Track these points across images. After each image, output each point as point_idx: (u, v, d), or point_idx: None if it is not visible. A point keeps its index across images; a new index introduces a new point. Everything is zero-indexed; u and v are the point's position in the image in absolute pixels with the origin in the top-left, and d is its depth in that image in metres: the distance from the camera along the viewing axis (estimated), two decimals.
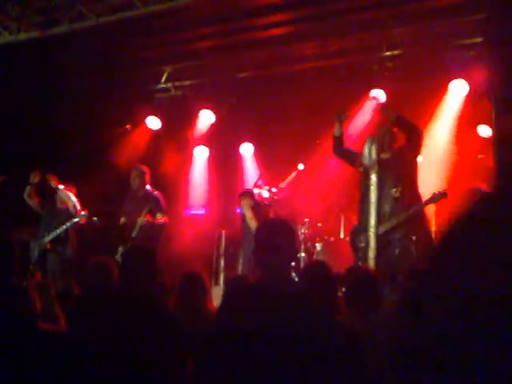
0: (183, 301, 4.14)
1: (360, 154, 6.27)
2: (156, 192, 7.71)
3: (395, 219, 6.10)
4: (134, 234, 7.38)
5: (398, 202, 6.15)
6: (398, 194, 6.16)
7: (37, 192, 7.85)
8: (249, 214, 7.25)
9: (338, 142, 6.65)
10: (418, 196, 6.22)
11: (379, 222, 6.13)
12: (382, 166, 6.18)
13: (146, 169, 7.79)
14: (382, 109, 6.73)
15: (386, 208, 6.17)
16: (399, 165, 6.20)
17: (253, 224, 7.08)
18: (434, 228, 7.80)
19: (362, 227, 6.29)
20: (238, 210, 8.75)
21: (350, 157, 6.55)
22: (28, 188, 7.78)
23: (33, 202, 7.84)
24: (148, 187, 7.70)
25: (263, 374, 2.58)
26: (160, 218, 7.51)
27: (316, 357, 2.57)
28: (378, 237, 6.09)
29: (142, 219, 7.38)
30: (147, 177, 7.73)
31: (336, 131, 6.65)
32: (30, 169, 7.87)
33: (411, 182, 6.23)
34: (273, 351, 2.58)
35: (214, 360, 2.81)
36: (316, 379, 2.55)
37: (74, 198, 7.69)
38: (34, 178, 7.75)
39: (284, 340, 2.59)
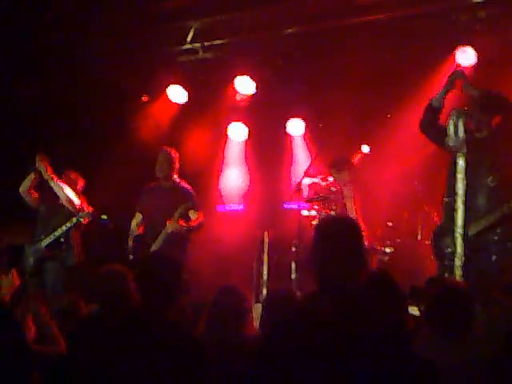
0: (215, 324, 4.18)
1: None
2: (185, 183, 7.73)
3: (491, 216, 6.03)
4: (157, 244, 7.37)
5: (495, 194, 6.07)
6: (494, 184, 6.08)
7: (37, 184, 7.82)
8: (349, 195, 7.31)
9: (435, 115, 6.49)
10: None
11: (470, 219, 6.06)
12: (476, 148, 6.11)
13: (175, 153, 7.79)
14: (463, 87, 6.59)
15: (480, 202, 6.10)
16: (498, 147, 6.12)
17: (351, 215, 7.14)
18: None
19: (448, 227, 6.23)
20: (288, 206, 8.77)
21: (443, 136, 6.42)
22: (29, 178, 7.70)
23: (30, 197, 7.83)
24: (176, 177, 7.73)
25: None
26: (195, 220, 7.52)
27: None
28: (468, 239, 6.02)
29: (174, 225, 7.34)
30: (177, 164, 7.75)
31: (437, 99, 6.48)
32: (26, 152, 7.91)
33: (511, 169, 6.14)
34: None
35: None
36: None
37: (69, 191, 7.72)
38: (41, 164, 7.62)
39: (341, 375, 2.60)
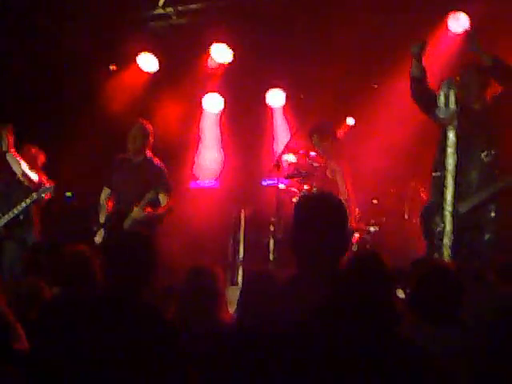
0: (187, 307, 4.15)
1: None
2: (157, 160, 7.66)
3: (485, 192, 6.03)
4: (125, 224, 7.29)
5: (489, 170, 6.07)
6: (488, 159, 6.08)
7: None
8: (336, 168, 7.23)
9: (418, 83, 6.48)
10: None
11: (462, 196, 6.06)
12: (470, 121, 6.11)
13: (150, 127, 7.72)
14: (471, 47, 6.54)
15: (473, 177, 6.10)
16: (492, 120, 6.11)
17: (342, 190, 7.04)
18: None
19: (438, 204, 6.23)
20: (266, 182, 8.73)
21: (433, 106, 6.38)
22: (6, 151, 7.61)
23: None
24: (148, 153, 7.66)
25: None
26: (163, 207, 7.44)
27: (365, 380, 2.57)
28: (460, 217, 6.04)
29: (140, 212, 7.27)
30: (151, 138, 7.68)
31: (413, 70, 6.47)
32: None
33: (508, 145, 6.14)
34: (307, 377, 2.57)
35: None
36: None
37: (25, 166, 7.65)
38: (4, 136, 7.54)
39: (322, 361, 2.57)
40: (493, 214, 6.03)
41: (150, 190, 7.31)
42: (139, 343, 3.35)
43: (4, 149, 7.59)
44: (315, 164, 7.93)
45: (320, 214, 2.92)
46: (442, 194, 6.16)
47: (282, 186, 7.92)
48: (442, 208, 6.13)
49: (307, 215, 2.95)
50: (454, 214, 6.03)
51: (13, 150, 7.62)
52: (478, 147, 6.11)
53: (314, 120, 8.25)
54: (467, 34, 6.76)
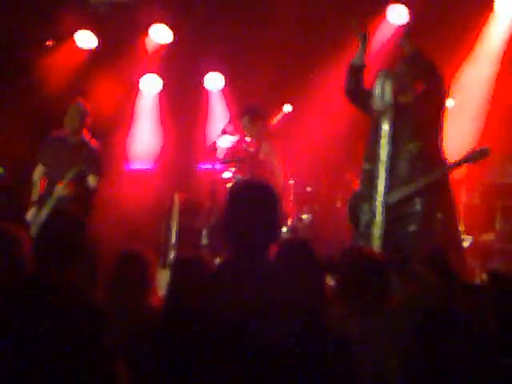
0: (117, 291, 4.13)
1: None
2: (93, 142, 7.57)
3: (412, 185, 6.11)
4: (48, 206, 7.21)
5: (417, 162, 6.15)
6: (416, 151, 6.16)
7: None
8: (270, 151, 7.15)
9: (357, 76, 6.48)
10: (442, 155, 6.23)
11: (390, 187, 6.14)
12: (399, 113, 6.17)
13: (88, 108, 7.61)
14: (402, 37, 6.60)
15: (401, 169, 6.18)
16: (421, 112, 6.18)
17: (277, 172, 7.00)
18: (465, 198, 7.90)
19: (367, 193, 6.30)
20: (202, 166, 8.72)
21: (367, 101, 6.44)
22: None
23: None
24: (84, 134, 7.56)
25: None
26: (92, 185, 7.35)
27: (292, 369, 2.60)
28: (388, 208, 6.12)
29: (63, 189, 7.16)
30: (88, 119, 7.58)
31: (356, 58, 6.47)
32: None
33: (435, 136, 6.24)
34: (235, 365, 2.59)
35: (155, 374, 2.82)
36: None
37: None
38: None
39: (250, 350, 2.60)
40: (418, 207, 6.12)
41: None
42: (65, 328, 3.31)
43: None
44: (251, 149, 7.94)
45: (251, 200, 2.93)
46: (370, 185, 6.24)
47: (217, 171, 7.91)
48: (370, 198, 6.22)
49: (239, 202, 2.96)
50: (383, 205, 6.12)
51: None
52: (405, 139, 6.19)
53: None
54: (404, 29, 6.79)
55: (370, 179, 6.30)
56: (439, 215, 6.11)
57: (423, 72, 6.23)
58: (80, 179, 7.28)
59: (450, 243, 6.01)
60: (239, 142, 8.05)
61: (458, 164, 6.23)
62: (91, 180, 7.35)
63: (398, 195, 6.14)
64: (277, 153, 7.66)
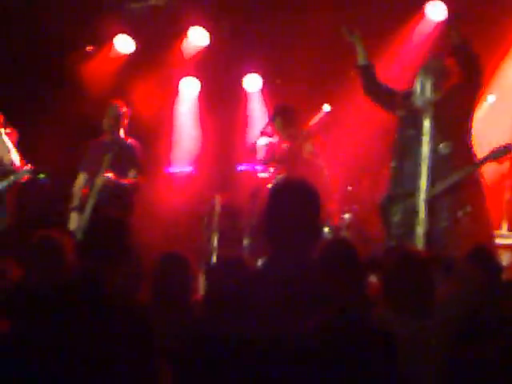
0: (160, 293, 4.16)
1: (401, 94, 6.20)
2: (132, 140, 7.62)
3: (442, 184, 6.08)
4: (91, 201, 7.27)
5: (448, 161, 6.12)
6: (447, 151, 6.12)
7: None
8: (309, 152, 7.14)
9: (366, 74, 6.53)
10: (472, 153, 6.20)
11: (415, 186, 6.14)
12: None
13: (125, 108, 7.66)
14: (449, 23, 6.55)
15: (432, 168, 6.14)
16: (452, 111, 6.13)
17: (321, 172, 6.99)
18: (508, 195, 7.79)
19: (396, 194, 6.28)
20: (242, 167, 8.72)
21: (388, 97, 6.44)
22: None
23: None
24: (122, 133, 7.61)
25: None
26: (132, 178, 7.39)
27: (337, 369, 2.59)
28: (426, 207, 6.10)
29: (103, 177, 7.23)
30: (126, 120, 7.63)
31: (359, 60, 6.53)
32: None
33: (466, 136, 6.19)
34: (277, 365, 2.58)
35: (198, 374, 2.83)
36: None
37: (11, 147, 7.59)
38: None
39: (294, 351, 2.58)
40: (447, 204, 6.09)
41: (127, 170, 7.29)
42: (109, 331, 3.34)
43: None
44: (291, 149, 7.87)
45: (292, 201, 2.93)
46: (399, 184, 6.23)
47: (257, 172, 7.90)
48: (398, 198, 6.21)
49: (279, 202, 2.95)
50: (426, 203, 6.09)
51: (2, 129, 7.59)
52: (437, 139, 6.15)
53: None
54: (452, 19, 6.71)
55: (398, 177, 6.29)
56: (468, 212, 6.06)
57: (464, 64, 6.17)
58: (119, 171, 7.30)
59: (480, 240, 5.93)
60: (279, 142, 8.02)
61: (483, 162, 6.18)
62: (131, 174, 7.37)
63: (428, 194, 6.12)
64: (321, 152, 7.62)
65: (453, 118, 6.16)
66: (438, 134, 6.13)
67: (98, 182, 7.25)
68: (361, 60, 6.53)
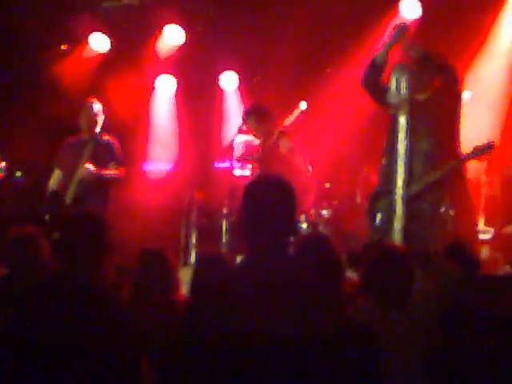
0: (140, 289, 4.15)
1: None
2: (108, 137, 7.59)
3: (424, 180, 6.13)
4: (70, 192, 7.21)
5: (432, 159, 6.17)
6: (429, 148, 6.18)
7: None
8: (286, 148, 7.13)
9: (378, 72, 6.50)
10: (457, 150, 6.25)
11: (407, 183, 6.16)
12: (416, 110, 6.17)
13: (100, 106, 7.62)
14: (406, 46, 6.56)
15: (415, 166, 6.19)
16: (437, 110, 6.19)
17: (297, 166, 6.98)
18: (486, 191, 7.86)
19: (384, 189, 6.32)
20: (219, 165, 8.72)
21: (384, 94, 6.44)
22: None
23: None
24: (98, 130, 7.57)
25: None
26: (113, 170, 7.34)
27: (316, 363, 2.60)
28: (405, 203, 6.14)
29: (84, 168, 7.17)
30: (101, 117, 7.59)
31: (379, 56, 6.48)
32: None
33: (451, 135, 6.25)
34: (260, 358, 2.59)
35: (182, 374, 2.83)
36: None
37: None
38: None
39: (275, 344, 2.60)
40: (430, 201, 6.14)
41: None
42: (90, 328, 3.31)
43: None
44: (267, 146, 7.84)
45: (267, 196, 2.93)
46: (387, 180, 6.27)
47: (235, 169, 7.90)
48: (386, 193, 6.24)
49: (254, 198, 2.96)
50: (403, 199, 6.13)
51: None
52: (421, 137, 6.20)
53: (267, 106, 8.21)
54: (396, 28, 6.64)
55: (387, 174, 6.33)
56: (451, 209, 6.12)
57: (437, 69, 6.24)
58: (99, 164, 7.27)
59: (462, 235, 5.99)
60: (256, 140, 8.02)
61: (466, 159, 6.24)
62: (111, 167, 7.33)
63: (411, 191, 6.16)
64: (297, 149, 7.61)
65: (439, 116, 6.21)
66: (424, 133, 6.18)
67: (79, 172, 7.19)
68: (382, 55, 6.46)
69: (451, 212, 6.12)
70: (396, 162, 6.23)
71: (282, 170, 7.02)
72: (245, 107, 9.34)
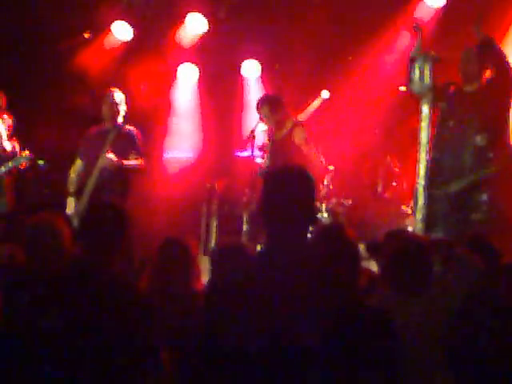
0: (160, 278, 4.17)
1: (441, 87, 6.20)
2: (130, 127, 7.62)
3: (477, 175, 6.09)
4: (91, 182, 7.25)
5: (483, 153, 6.12)
6: (483, 143, 6.12)
7: None
8: (301, 138, 7.09)
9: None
10: (509, 146, 6.19)
11: (453, 177, 6.12)
12: (464, 103, 6.14)
13: (122, 95, 7.63)
14: (474, 23, 6.46)
15: (466, 160, 6.15)
16: (488, 104, 6.13)
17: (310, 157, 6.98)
18: None
19: (432, 182, 6.27)
20: (240, 153, 8.72)
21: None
22: None
23: None
24: (121, 120, 7.59)
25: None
26: (134, 160, 7.37)
27: (336, 352, 2.61)
28: (448, 196, 6.10)
29: (105, 158, 7.19)
30: (123, 106, 7.61)
31: (415, 51, 6.37)
32: None
33: (503, 127, 6.19)
34: (279, 350, 2.60)
35: (201, 361, 2.84)
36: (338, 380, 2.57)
37: (3, 133, 7.58)
38: None
39: (290, 334, 2.61)
40: (484, 197, 6.10)
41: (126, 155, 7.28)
42: (110, 315, 3.34)
43: None
44: (279, 135, 7.79)
45: (286, 185, 2.94)
46: (435, 174, 6.22)
47: (256, 158, 7.89)
48: (433, 186, 6.20)
49: (273, 187, 2.96)
50: (444, 195, 6.10)
51: None
52: (472, 130, 6.15)
53: (290, 94, 8.19)
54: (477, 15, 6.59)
55: (434, 168, 6.29)
56: (503, 205, 6.08)
57: (493, 60, 6.17)
58: (120, 154, 7.30)
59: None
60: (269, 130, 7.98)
61: None
62: (131, 158, 7.36)
63: (461, 185, 6.12)
64: (311, 140, 7.58)
65: (489, 110, 6.15)
66: (474, 126, 6.13)
67: (101, 161, 7.21)
68: (415, 53, 6.41)
69: (503, 206, 6.08)
70: (443, 156, 6.20)
71: (294, 160, 7.03)
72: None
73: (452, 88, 6.35)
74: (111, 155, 7.17)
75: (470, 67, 6.20)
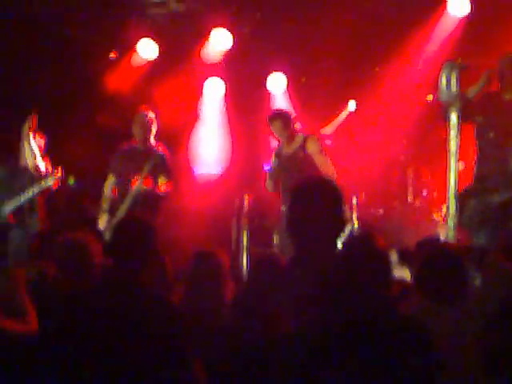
0: (193, 291, 4.18)
1: (475, 102, 6.14)
2: (161, 147, 7.69)
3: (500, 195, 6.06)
4: (125, 205, 7.34)
5: None
6: None
7: None
8: (314, 148, 7.10)
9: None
10: None
11: (502, 186, 6.09)
12: (502, 111, 6.11)
13: (153, 115, 7.72)
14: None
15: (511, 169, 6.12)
16: None
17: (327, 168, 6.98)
18: None
19: (474, 189, 6.24)
20: (268, 167, 8.72)
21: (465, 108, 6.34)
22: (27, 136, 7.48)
23: None
24: (153, 141, 7.68)
25: None
26: (163, 185, 7.46)
27: (368, 361, 2.60)
28: (492, 205, 6.07)
29: (140, 185, 7.31)
30: (155, 126, 7.69)
31: (472, 91, 6.35)
32: None
33: None
34: (308, 359, 2.59)
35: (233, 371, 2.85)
36: None
37: (37, 152, 7.65)
38: (30, 122, 7.46)
39: (325, 344, 2.60)
40: None
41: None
42: (143, 329, 3.36)
43: (25, 134, 7.47)
44: (291, 149, 7.75)
45: (314, 198, 2.94)
46: (477, 181, 6.18)
47: None
48: (479, 195, 6.16)
49: (301, 200, 2.97)
50: (484, 204, 6.06)
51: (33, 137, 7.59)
52: None
53: (316, 107, 8.18)
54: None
55: (476, 175, 6.26)
56: None
57: None
58: (152, 177, 7.38)
59: None
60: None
61: None
62: (161, 180, 7.45)
63: (502, 196, 6.08)
64: (325, 149, 7.56)
65: None
66: None
67: (136, 188, 7.33)
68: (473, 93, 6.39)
69: None
70: (488, 163, 6.16)
71: (308, 173, 7.02)
72: (294, 108, 9.37)
73: (486, 99, 6.28)
74: (146, 183, 7.26)
75: (509, 74, 6.15)
